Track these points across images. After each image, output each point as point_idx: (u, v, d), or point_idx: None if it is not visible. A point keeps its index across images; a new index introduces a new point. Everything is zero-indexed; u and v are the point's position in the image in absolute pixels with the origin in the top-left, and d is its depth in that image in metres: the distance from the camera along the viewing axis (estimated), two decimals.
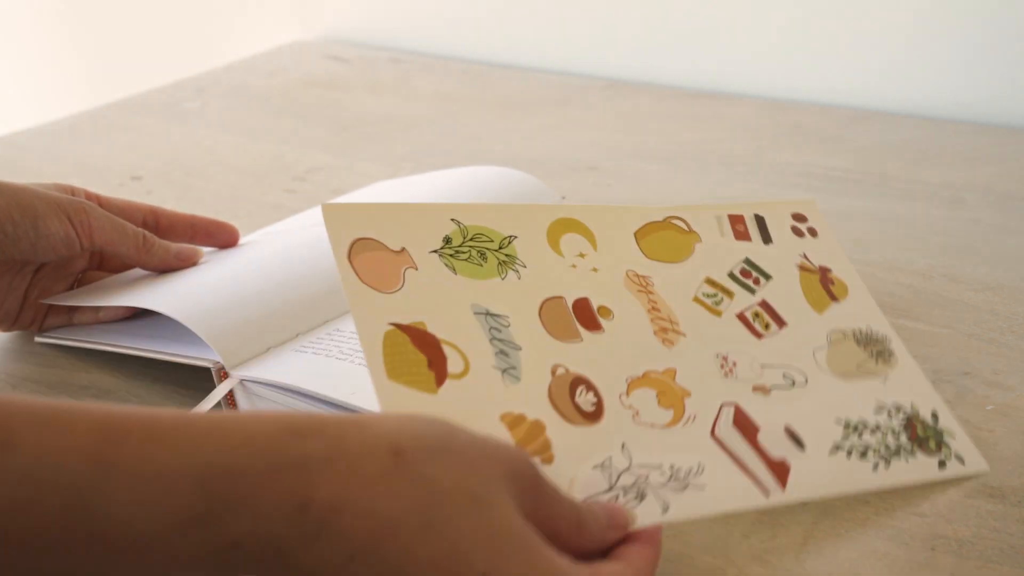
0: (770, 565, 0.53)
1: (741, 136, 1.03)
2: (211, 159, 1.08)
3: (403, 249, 0.57)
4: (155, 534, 0.40)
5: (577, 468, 0.53)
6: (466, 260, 0.59)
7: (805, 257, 0.67)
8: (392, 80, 1.26)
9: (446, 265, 0.58)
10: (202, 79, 1.31)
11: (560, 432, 0.54)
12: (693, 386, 0.58)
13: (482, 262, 0.59)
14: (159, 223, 0.76)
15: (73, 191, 0.73)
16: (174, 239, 0.76)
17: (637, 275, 0.62)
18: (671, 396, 0.58)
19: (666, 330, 0.61)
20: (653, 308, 0.61)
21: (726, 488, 0.54)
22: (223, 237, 0.77)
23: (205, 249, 0.76)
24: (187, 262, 0.74)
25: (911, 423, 0.59)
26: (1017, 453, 0.58)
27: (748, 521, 0.55)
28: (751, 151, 0.99)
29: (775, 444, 0.56)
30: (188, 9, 1.56)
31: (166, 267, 0.74)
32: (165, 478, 0.41)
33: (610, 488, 0.53)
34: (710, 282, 0.64)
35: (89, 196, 0.74)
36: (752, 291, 0.64)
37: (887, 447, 0.58)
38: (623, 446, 0.55)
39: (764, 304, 0.63)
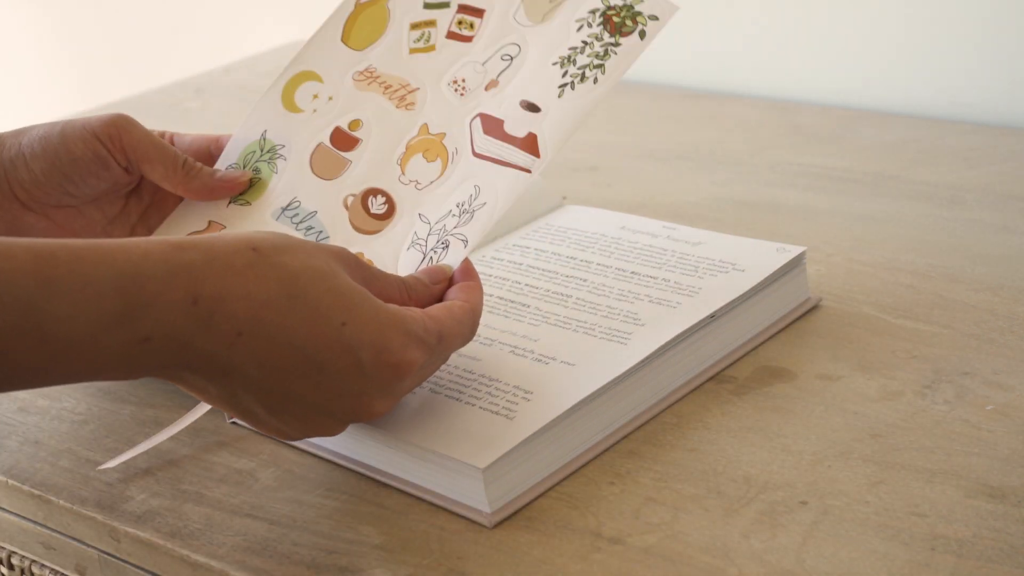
0: (770, 565, 0.53)
1: (741, 136, 1.03)
2: None
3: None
4: (88, 334, 0.51)
5: (396, 260, 0.65)
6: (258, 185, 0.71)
7: None
8: None
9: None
10: (202, 79, 1.31)
11: (372, 247, 0.66)
12: (444, 126, 0.66)
13: (263, 175, 0.71)
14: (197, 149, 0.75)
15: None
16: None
17: (360, 72, 0.70)
18: (433, 148, 0.66)
19: (403, 97, 0.68)
20: (386, 88, 0.69)
21: (500, 190, 0.62)
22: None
23: None
24: (232, 185, 0.71)
25: (607, 18, 0.64)
26: (1017, 453, 0.58)
27: (748, 521, 0.56)
28: (751, 151, 0.99)
29: (519, 125, 0.63)
30: (188, 9, 1.56)
31: (209, 194, 0.71)
32: (92, 286, 0.51)
33: (424, 256, 0.64)
34: (413, 26, 0.70)
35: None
36: (447, 3, 0.69)
37: (596, 55, 0.64)
38: (420, 216, 0.66)
39: (461, 7, 0.69)
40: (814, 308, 0.73)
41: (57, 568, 0.65)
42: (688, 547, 0.54)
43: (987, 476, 0.57)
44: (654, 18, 0.65)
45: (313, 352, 0.55)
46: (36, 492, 0.64)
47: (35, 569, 0.66)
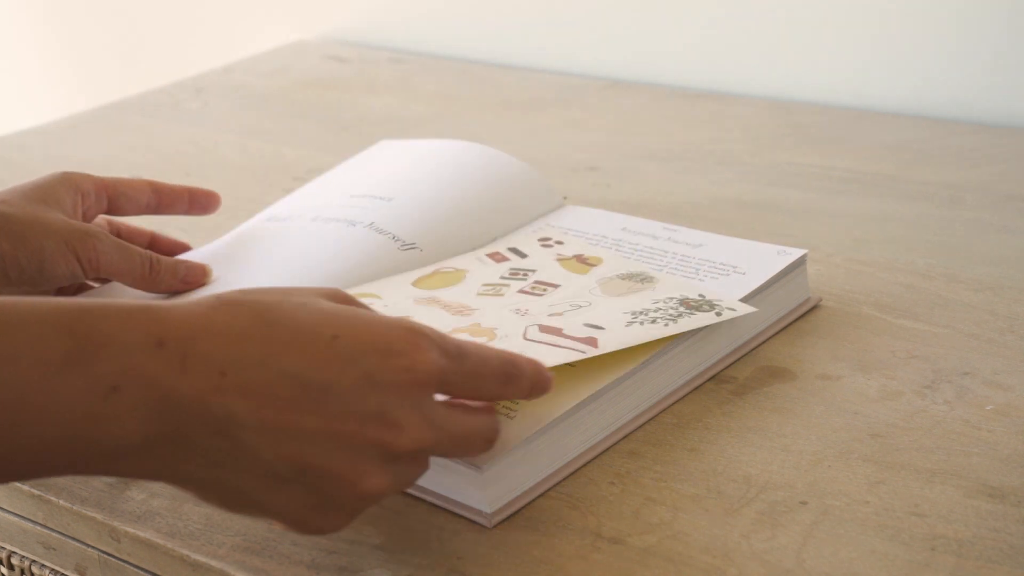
0: (770, 565, 0.53)
1: (741, 136, 1.03)
2: (211, 159, 1.08)
3: None
4: (36, 379, 0.45)
5: None
6: None
7: (559, 254, 0.74)
8: (392, 80, 1.26)
9: None
10: (202, 79, 1.31)
11: None
12: (497, 325, 0.65)
13: None
14: (161, 200, 0.76)
15: (79, 187, 0.71)
16: (177, 212, 0.77)
17: (421, 299, 0.69)
18: (481, 333, 0.64)
19: (460, 311, 0.67)
20: (445, 307, 0.68)
21: (548, 358, 0.59)
22: (212, 204, 0.78)
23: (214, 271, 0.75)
24: (193, 285, 0.72)
25: (685, 302, 0.66)
26: (1017, 453, 0.58)
27: (748, 521, 0.56)
28: (751, 151, 0.99)
29: (578, 331, 0.63)
30: (188, 9, 1.56)
31: (172, 291, 0.72)
32: (36, 324, 0.46)
33: None
34: (486, 285, 0.70)
35: (98, 187, 0.73)
36: (524, 279, 0.71)
37: (670, 314, 0.65)
38: None
39: (536, 282, 0.70)
40: (814, 308, 0.73)
41: (57, 568, 0.65)
42: (688, 547, 0.54)
43: (987, 476, 0.57)
44: (731, 310, 0.66)
45: (311, 375, 0.48)
46: (36, 492, 0.64)
47: (35, 569, 0.66)
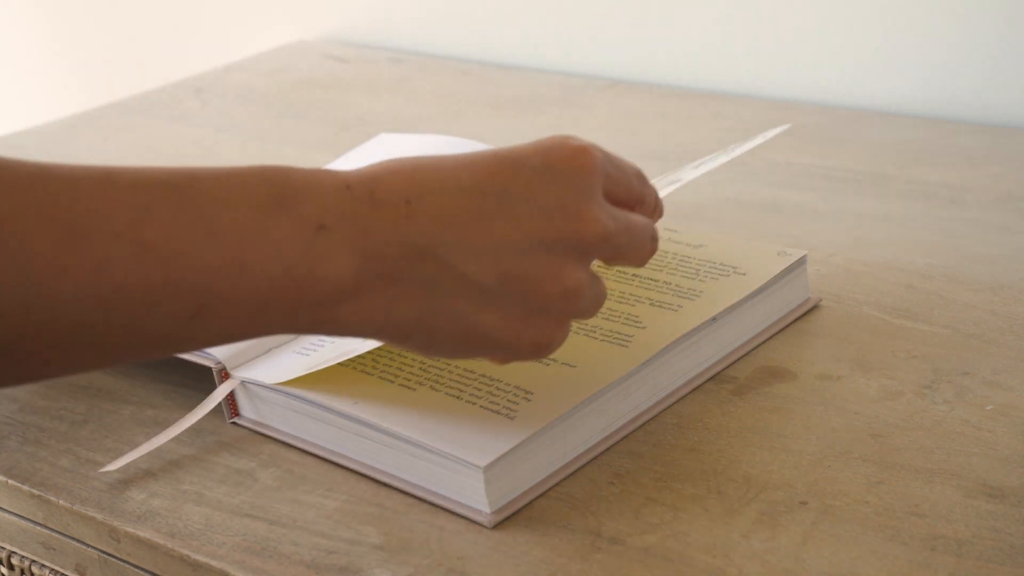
0: (770, 565, 0.53)
1: (741, 136, 1.03)
2: (211, 159, 1.08)
3: None
4: (253, 221, 0.47)
5: None
6: None
7: None
8: (392, 80, 1.26)
9: None
10: (202, 79, 1.31)
11: None
12: None
13: None
14: None
15: None
16: None
17: None
18: None
19: None
20: None
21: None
22: None
23: None
24: None
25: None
26: (1017, 453, 0.58)
27: (748, 521, 0.56)
28: (751, 151, 0.99)
29: None
30: (188, 9, 1.56)
31: None
32: (239, 175, 0.48)
33: None
34: None
35: None
36: None
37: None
38: None
39: None
40: (814, 308, 0.73)
41: (57, 568, 0.65)
42: (688, 547, 0.54)
43: (987, 476, 0.57)
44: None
45: (487, 185, 0.50)
46: (36, 492, 0.64)
47: (35, 569, 0.66)
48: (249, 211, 0.48)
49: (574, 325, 0.66)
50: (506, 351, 0.52)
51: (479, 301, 0.50)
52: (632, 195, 0.56)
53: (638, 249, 0.55)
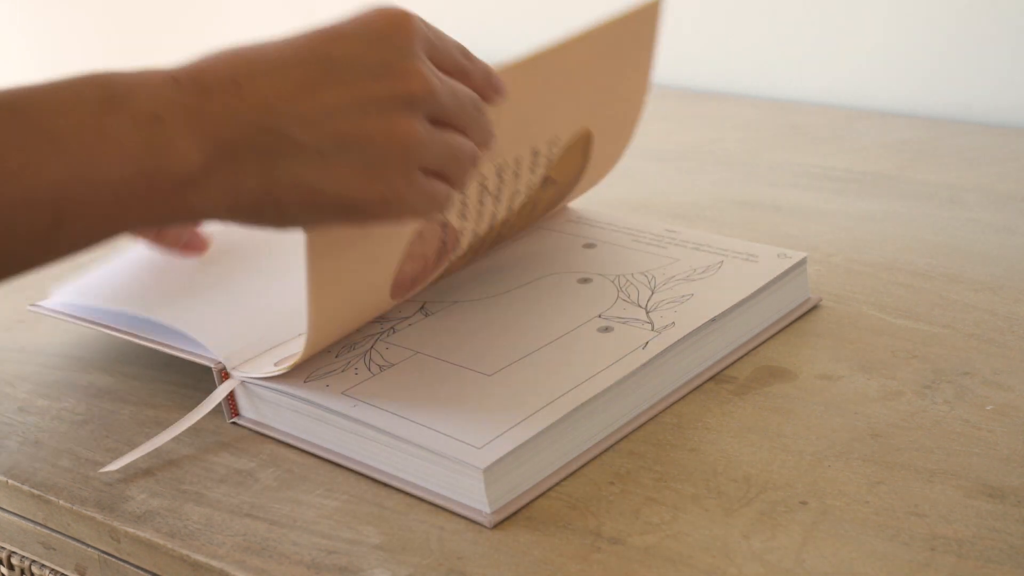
0: (770, 565, 0.53)
1: (741, 136, 1.03)
2: None
3: None
4: (87, 122, 0.49)
5: None
6: None
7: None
8: None
9: None
10: None
11: None
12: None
13: None
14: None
15: None
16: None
17: None
18: None
19: None
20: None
21: None
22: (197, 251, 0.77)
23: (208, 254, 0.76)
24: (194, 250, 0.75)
25: None
26: (1017, 453, 0.58)
27: (748, 521, 0.56)
28: (750, 151, 0.99)
29: None
30: (188, 9, 1.56)
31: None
32: (67, 84, 0.50)
33: None
34: None
35: None
36: None
37: None
38: None
39: None
40: (814, 308, 0.73)
41: (57, 568, 0.65)
42: (688, 547, 0.54)
43: (987, 476, 0.57)
44: None
45: (311, 55, 0.52)
46: (36, 492, 0.64)
47: (35, 569, 0.66)
48: (84, 115, 0.49)
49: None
50: (357, 212, 0.54)
51: (321, 166, 0.52)
52: (456, 66, 0.57)
53: (464, 114, 0.57)
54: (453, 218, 0.64)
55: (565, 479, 0.60)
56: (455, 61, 0.57)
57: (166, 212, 0.51)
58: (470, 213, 0.65)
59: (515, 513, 0.58)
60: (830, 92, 1.10)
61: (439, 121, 0.55)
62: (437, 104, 0.55)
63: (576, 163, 0.73)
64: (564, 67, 0.65)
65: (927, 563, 0.52)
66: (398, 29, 0.54)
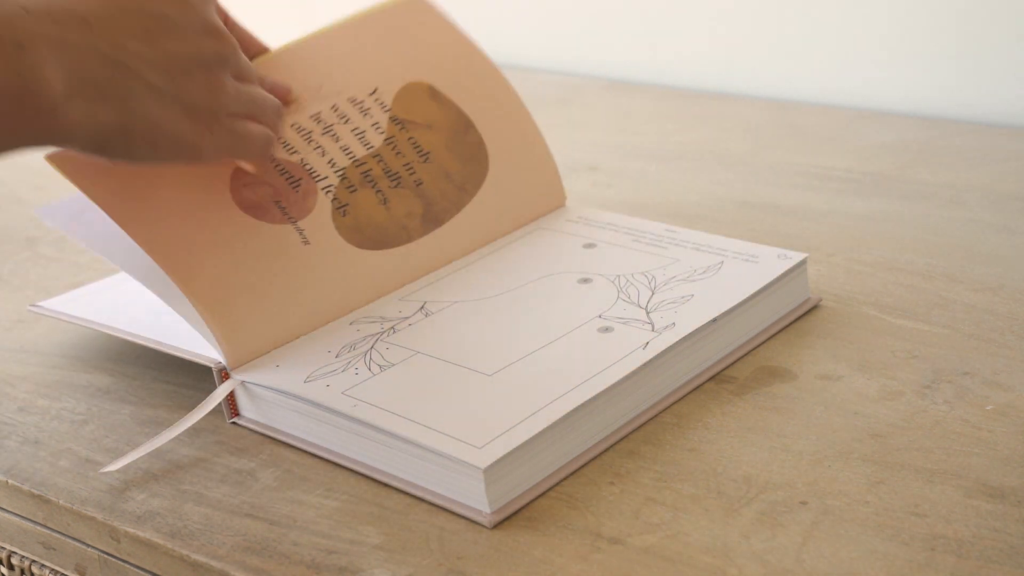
0: (770, 565, 0.53)
1: (741, 136, 1.03)
2: None
3: None
4: None
5: None
6: None
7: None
8: None
9: None
10: None
11: None
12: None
13: None
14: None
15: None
16: None
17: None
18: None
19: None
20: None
21: None
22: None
23: None
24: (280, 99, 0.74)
25: None
26: (1017, 453, 0.58)
27: (748, 521, 0.56)
28: (751, 151, 0.99)
29: None
30: None
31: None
32: None
33: None
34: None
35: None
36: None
37: None
38: None
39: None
40: (814, 308, 0.73)
41: (57, 568, 0.65)
42: (688, 547, 0.54)
43: (987, 476, 0.57)
44: None
45: (150, 7, 0.58)
46: (36, 492, 0.64)
47: (35, 569, 0.66)
48: None
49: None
50: (186, 149, 0.61)
51: (164, 106, 0.59)
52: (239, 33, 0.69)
53: (248, 69, 0.65)
54: (280, 152, 0.72)
55: (565, 479, 0.60)
56: (237, 27, 0.68)
57: (32, 133, 0.55)
58: (300, 146, 0.72)
59: (515, 513, 0.58)
60: (830, 92, 1.10)
61: (242, 78, 0.64)
62: (239, 64, 0.63)
63: (430, 108, 0.78)
64: (331, 47, 0.78)
65: (927, 563, 0.52)
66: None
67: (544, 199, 0.81)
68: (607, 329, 0.66)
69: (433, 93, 0.79)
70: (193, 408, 0.66)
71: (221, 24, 0.62)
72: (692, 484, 0.58)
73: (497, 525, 0.57)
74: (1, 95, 0.52)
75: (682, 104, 1.12)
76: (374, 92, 0.77)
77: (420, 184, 0.75)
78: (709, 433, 0.62)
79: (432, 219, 0.75)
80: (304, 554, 0.57)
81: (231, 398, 0.67)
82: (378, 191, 0.74)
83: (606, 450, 0.61)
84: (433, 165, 0.76)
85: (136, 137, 0.58)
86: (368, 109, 0.76)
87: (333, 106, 0.75)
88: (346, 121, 0.75)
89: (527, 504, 0.58)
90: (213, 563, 0.57)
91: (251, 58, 0.72)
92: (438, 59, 0.81)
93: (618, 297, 0.69)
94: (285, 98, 0.73)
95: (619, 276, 0.72)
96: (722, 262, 0.72)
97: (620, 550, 0.55)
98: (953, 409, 0.62)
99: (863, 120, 1.04)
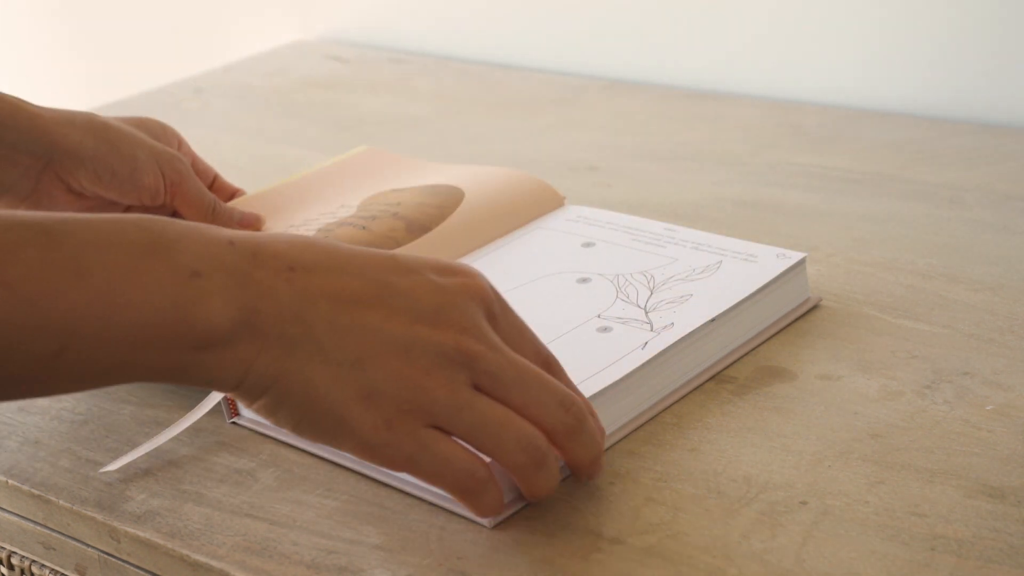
0: (770, 565, 0.53)
1: (741, 136, 1.03)
2: (211, 159, 1.07)
3: None
4: (124, 264, 0.48)
5: None
6: None
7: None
8: (392, 80, 1.26)
9: None
10: (202, 79, 1.31)
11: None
12: None
13: None
14: (213, 186, 0.83)
15: (164, 129, 0.79)
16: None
17: None
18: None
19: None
20: None
21: None
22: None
23: None
24: (252, 225, 0.79)
25: None
26: (1017, 453, 0.58)
27: (748, 521, 0.56)
28: (751, 151, 0.99)
29: None
30: (188, 9, 1.56)
31: None
32: (116, 221, 0.49)
33: None
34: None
35: (184, 146, 0.81)
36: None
37: None
38: None
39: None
40: (814, 308, 0.73)
41: (57, 568, 0.65)
42: (688, 547, 0.54)
43: (987, 476, 0.57)
44: None
45: (374, 274, 0.52)
46: (36, 492, 0.64)
47: (35, 569, 0.66)
48: (120, 254, 0.48)
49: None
50: (343, 434, 0.52)
51: (332, 374, 0.50)
52: (523, 351, 0.55)
53: (526, 389, 0.53)
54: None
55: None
56: (523, 346, 0.55)
57: (176, 369, 0.50)
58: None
59: (515, 513, 0.58)
60: (830, 92, 1.10)
61: (492, 393, 0.52)
62: (480, 370, 0.52)
63: (394, 194, 0.82)
64: (301, 188, 0.84)
65: (927, 563, 0.52)
66: (465, 287, 0.53)
67: (538, 204, 0.81)
68: (606, 329, 0.66)
69: (396, 190, 0.82)
70: (193, 408, 0.66)
71: (467, 318, 0.52)
72: (692, 484, 0.58)
73: (497, 525, 0.57)
74: (156, 321, 0.48)
75: (682, 104, 1.12)
76: (342, 206, 0.81)
77: (397, 213, 0.78)
78: (709, 433, 0.62)
79: (418, 229, 0.76)
80: (304, 554, 0.57)
81: (231, 398, 0.67)
82: (354, 225, 0.77)
83: (606, 450, 0.61)
84: (407, 205, 0.79)
85: (289, 398, 0.51)
86: (335, 212, 0.80)
87: (304, 220, 0.80)
88: (317, 221, 0.79)
89: (527, 504, 0.58)
90: (213, 563, 0.57)
91: (226, 200, 0.78)
92: (395, 174, 0.85)
93: (617, 297, 0.69)
94: (255, 226, 0.77)
95: (618, 276, 0.72)
96: (721, 261, 0.72)
97: (620, 550, 0.55)
98: (953, 409, 0.62)
99: (863, 120, 1.04)
